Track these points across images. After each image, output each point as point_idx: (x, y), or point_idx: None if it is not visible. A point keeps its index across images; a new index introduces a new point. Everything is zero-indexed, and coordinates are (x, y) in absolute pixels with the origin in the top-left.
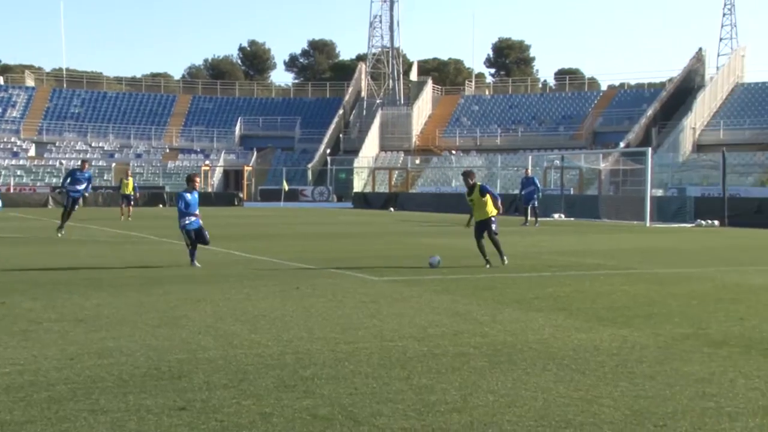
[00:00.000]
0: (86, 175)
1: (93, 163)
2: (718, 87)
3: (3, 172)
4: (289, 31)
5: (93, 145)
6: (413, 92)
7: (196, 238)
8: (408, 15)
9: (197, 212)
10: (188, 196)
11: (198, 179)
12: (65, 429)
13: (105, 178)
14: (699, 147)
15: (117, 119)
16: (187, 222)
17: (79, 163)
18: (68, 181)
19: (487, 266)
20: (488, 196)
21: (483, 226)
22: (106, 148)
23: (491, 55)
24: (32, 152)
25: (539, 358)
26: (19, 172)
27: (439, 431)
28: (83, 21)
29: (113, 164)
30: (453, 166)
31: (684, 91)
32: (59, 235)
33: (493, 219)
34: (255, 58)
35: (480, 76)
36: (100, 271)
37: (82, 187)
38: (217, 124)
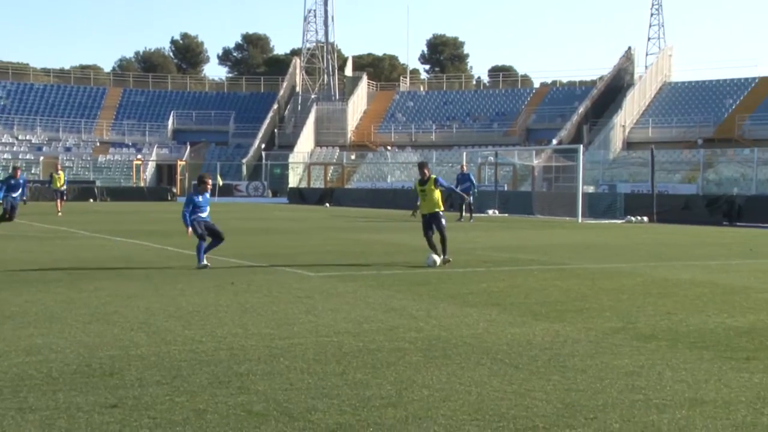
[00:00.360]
0: (20, 181)
1: (20, 157)
2: (647, 86)
3: None
4: (222, 25)
5: (20, 138)
6: (348, 88)
7: (210, 233)
8: (343, 10)
9: (206, 215)
10: (199, 198)
11: (210, 180)
12: None
13: (33, 171)
14: (629, 144)
15: (45, 112)
16: (193, 217)
17: (11, 170)
18: (4, 189)
19: (449, 261)
20: (439, 190)
21: (432, 220)
22: (33, 141)
23: (426, 52)
24: None
25: (473, 353)
26: None
27: (375, 426)
28: (8, 10)
29: (41, 158)
30: (388, 162)
31: (614, 90)
32: None
33: (441, 213)
34: (188, 52)
35: (415, 72)
36: (29, 266)
37: (18, 193)
38: (149, 117)
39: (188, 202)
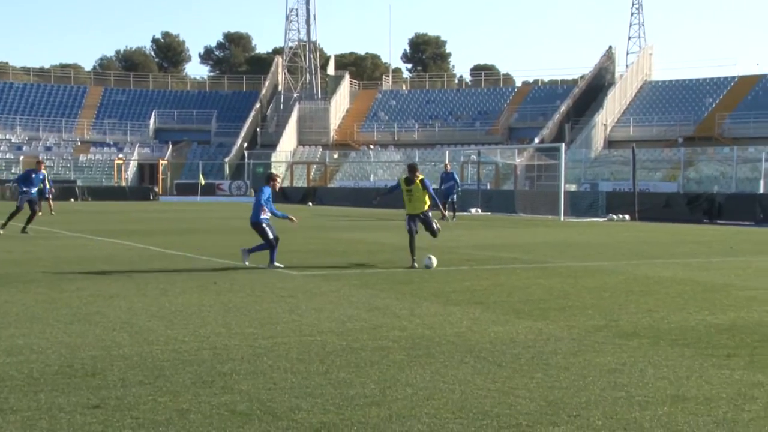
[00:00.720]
0: (41, 176)
1: (0, 156)
2: (628, 84)
3: None
4: (203, 24)
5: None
6: (330, 86)
7: (273, 236)
8: (325, 9)
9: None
10: (269, 191)
11: (278, 179)
12: None
13: (13, 171)
14: (610, 143)
15: (25, 111)
16: (265, 217)
17: (35, 163)
18: (21, 182)
19: (415, 266)
20: (428, 193)
21: (421, 221)
22: (13, 141)
23: (408, 51)
24: None
25: (457, 351)
26: None
27: (359, 425)
28: None
29: (21, 157)
30: (371, 161)
31: (595, 88)
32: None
33: (430, 214)
34: (169, 51)
35: (397, 71)
36: (10, 266)
37: (36, 188)
38: (130, 116)
39: (261, 192)
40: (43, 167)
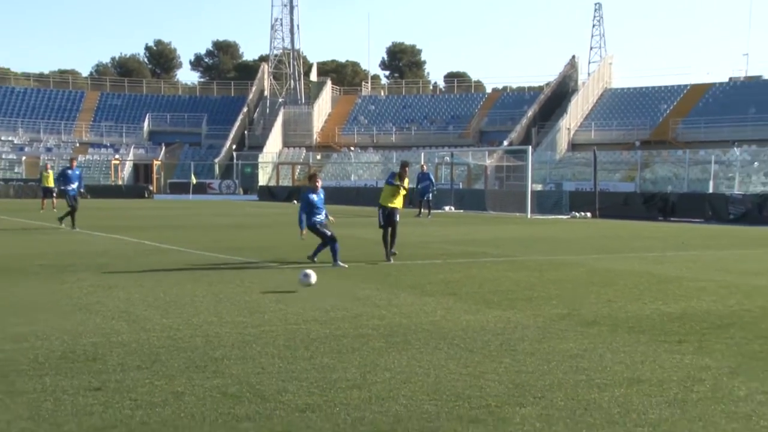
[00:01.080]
0: (77, 172)
1: (3, 156)
2: (590, 91)
3: None
4: (194, 32)
5: (2, 138)
6: (313, 92)
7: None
8: (308, 19)
9: (322, 216)
10: (313, 196)
11: (319, 177)
12: None
13: (16, 170)
14: (573, 146)
15: (26, 114)
16: (316, 219)
17: (69, 161)
18: (61, 180)
19: (391, 261)
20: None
21: (391, 215)
22: (15, 142)
23: (386, 59)
24: None
25: (432, 338)
26: None
27: (341, 406)
28: None
29: (23, 157)
30: (351, 162)
31: (560, 95)
32: (65, 226)
33: (398, 211)
34: (161, 57)
35: (376, 77)
36: (13, 260)
37: (74, 185)
38: (125, 119)
39: (305, 204)
40: (75, 163)
